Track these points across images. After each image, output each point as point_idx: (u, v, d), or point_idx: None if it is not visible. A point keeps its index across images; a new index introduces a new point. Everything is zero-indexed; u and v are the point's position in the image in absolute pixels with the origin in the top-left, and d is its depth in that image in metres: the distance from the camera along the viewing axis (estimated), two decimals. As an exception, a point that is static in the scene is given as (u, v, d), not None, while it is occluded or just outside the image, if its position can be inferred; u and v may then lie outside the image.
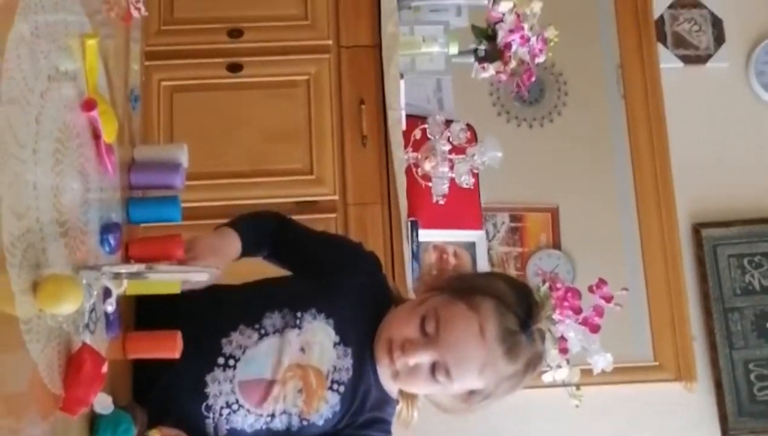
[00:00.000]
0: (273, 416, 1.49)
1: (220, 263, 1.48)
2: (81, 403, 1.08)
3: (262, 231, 1.66)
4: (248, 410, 1.48)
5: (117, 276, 1.18)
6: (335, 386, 1.50)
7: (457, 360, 1.42)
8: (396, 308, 1.56)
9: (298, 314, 1.50)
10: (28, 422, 0.99)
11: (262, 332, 1.49)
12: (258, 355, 1.48)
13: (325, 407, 1.50)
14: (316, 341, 1.49)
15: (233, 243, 1.56)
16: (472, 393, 1.48)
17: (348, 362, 1.51)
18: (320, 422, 1.51)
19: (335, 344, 1.51)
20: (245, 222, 1.64)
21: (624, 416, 3.00)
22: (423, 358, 1.43)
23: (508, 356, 1.43)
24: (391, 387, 1.55)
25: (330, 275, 1.57)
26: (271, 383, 1.48)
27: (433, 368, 1.43)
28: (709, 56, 3.33)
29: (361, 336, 1.53)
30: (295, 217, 2.58)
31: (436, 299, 1.47)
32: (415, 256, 2.67)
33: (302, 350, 1.49)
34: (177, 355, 1.34)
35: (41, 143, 1.05)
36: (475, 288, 1.46)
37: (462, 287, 1.48)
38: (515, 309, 1.44)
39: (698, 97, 3.29)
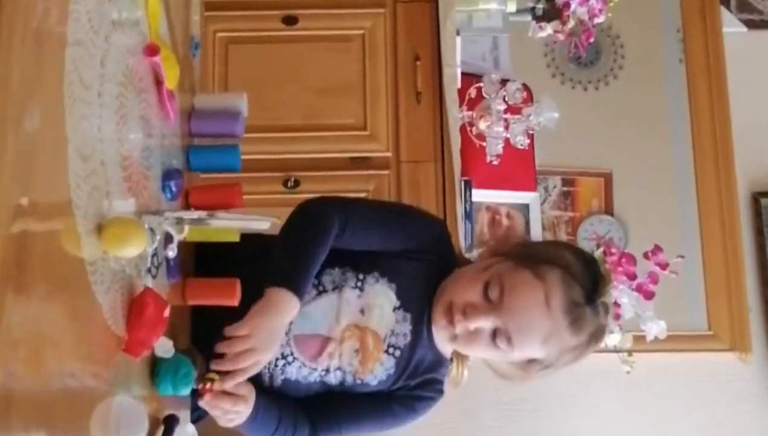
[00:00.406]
0: (327, 371, 1.50)
1: (271, 354, 1.39)
2: (143, 345, 1.09)
3: (315, 254, 1.45)
4: (303, 363, 1.49)
5: (179, 222, 1.18)
6: (391, 350, 1.50)
7: (520, 328, 1.40)
8: (457, 271, 1.53)
9: (360, 276, 1.49)
10: (92, 363, 0.99)
11: (320, 288, 1.48)
12: (315, 311, 1.47)
13: (380, 369, 1.51)
14: (377, 303, 1.48)
15: (289, 314, 1.40)
16: (531, 362, 1.46)
17: (406, 327, 1.50)
18: (374, 382, 1.51)
19: (395, 308, 1.50)
20: (296, 260, 1.43)
21: (676, 384, 2.97)
22: (485, 323, 1.42)
23: (573, 328, 1.41)
24: (445, 348, 1.54)
25: (399, 246, 1.53)
26: (327, 340, 1.48)
27: (494, 334, 1.42)
28: (774, 21, 3.24)
29: (421, 301, 1.51)
30: (348, 173, 2.62)
31: (502, 266, 1.44)
32: (468, 216, 2.64)
33: (362, 311, 1.48)
34: (236, 303, 1.35)
35: (106, 86, 1.05)
36: (541, 257, 1.44)
37: (528, 254, 1.45)
38: (581, 281, 1.42)
39: (761, 63, 3.20)
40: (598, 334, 1.45)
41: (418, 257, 1.52)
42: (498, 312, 1.41)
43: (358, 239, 1.50)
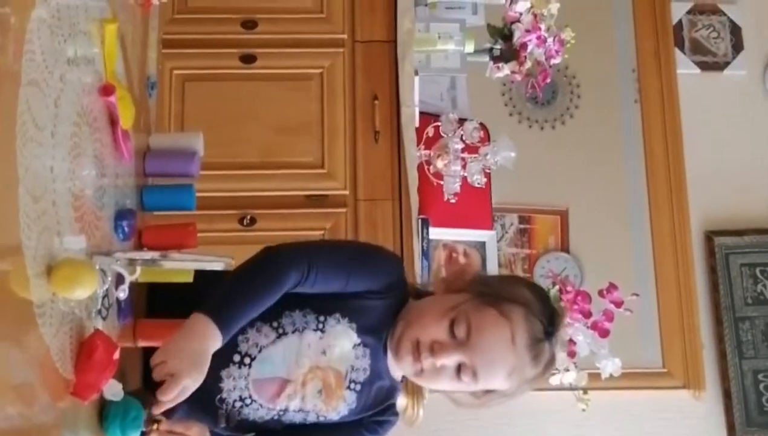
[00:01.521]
0: (286, 410, 1.50)
1: (197, 377, 1.31)
2: (92, 389, 1.08)
3: (254, 304, 1.41)
4: (260, 405, 1.49)
5: (131, 263, 1.17)
6: (353, 385, 1.52)
7: (486, 364, 1.46)
8: (416, 304, 1.55)
9: (321, 318, 1.49)
10: (38, 406, 0.98)
11: (280, 330, 1.48)
12: (274, 354, 1.47)
13: (343, 405, 1.52)
14: (337, 344, 1.50)
15: (210, 344, 1.33)
16: (490, 392, 1.51)
17: (366, 361, 1.52)
18: (336, 418, 1.53)
19: (355, 345, 1.51)
20: (233, 300, 1.38)
21: (631, 421, 2.98)
22: (452, 360, 1.45)
23: (534, 361, 1.48)
24: (397, 373, 1.57)
25: (359, 286, 1.53)
26: (285, 382, 1.48)
27: (458, 369, 1.46)
28: (727, 63, 3.31)
29: (378, 334, 1.53)
30: (305, 211, 2.62)
31: (467, 304, 1.48)
32: (425, 254, 2.65)
33: (324, 352, 1.49)
34: (187, 345, 1.33)
35: (59, 127, 1.05)
36: (503, 295, 1.49)
37: (490, 292, 1.50)
38: (541, 317, 1.49)
39: (714, 104, 3.27)
40: (551, 362, 1.54)
41: (379, 297, 1.54)
42: (465, 349, 1.45)
43: (319, 287, 1.49)
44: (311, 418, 1.51)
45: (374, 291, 1.54)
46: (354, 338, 1.51)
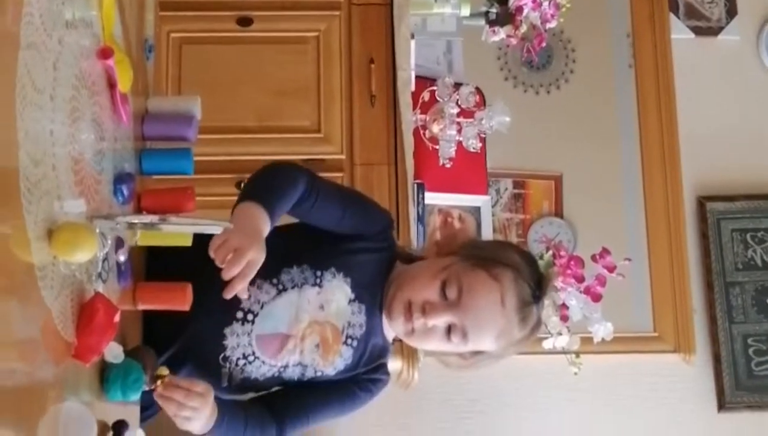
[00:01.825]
0: (286, 366, 1.54)
1: (261, 251, 1.35)
2: (93, 351, 1.09)
3: (284, 196, 1.49)
4: (263, 362, 1.52)
5: (130, 226, 1.18)
6: (349, 341, 1.56)
7: (476, 325, 1.49)
8: (409, 267, 1.60)
9: (318, 273, 1.53)
10: (40, 368, 0.99)
11: (280, 287, 1.51)
12: (276, 310, 1.51)
13: (339, 360, 1.56)
14: (334, 298, 1.53)
15: (263, 224, 1.40)
16: (479, 353, 1.56)
17: (361, 318, 1.56)
18: (332, 373, 1.57)
19: (350, 301, 1.55)
20: (266, 191, 1.47)
21: (622, 385, 3.02)
22: (442, 320, 1.49)
23: (522, 324, 1.53)
24: (390, 333, 1.62)
25: (350, 235, 1.58)
26: (286, 337, 1.52)
27: (449, 330, 1.50)
28: (721, 29, 3.30)
29: (373, 291, 1.57)
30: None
31: (458, 266, 1.52)
32: (421, 218, 2.66)
33: (321, 307, 1.53)
34: (186, 307, 1.35)
35: (58, 90, 1.05)
36: (494, 258, 1.53)
37: (481, 255, 1.54)
38: (529, 280, 1.54)
39: (708, 69, 3.27)
40: (538, 325, 1.58)
41: (368, 247, 1.58)
42: (456, 310, 1.49)
43: (318, 210, 1.54)
44: (309, 373, 1.55)
45: (365, 237, 1.58)
46: (348, 292, 1.54)
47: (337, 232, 1.57)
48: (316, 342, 1.53)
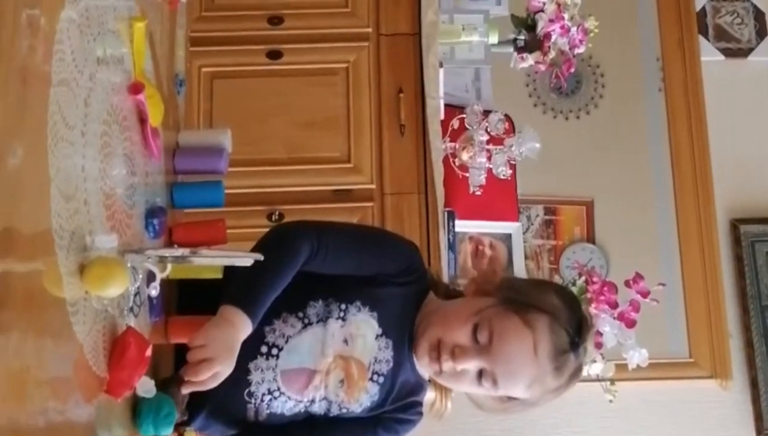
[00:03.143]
0: (313, 401, 1.51)
1: (230, 367, 1.34)
2: (125, 386, 1.09)
3: (274, 283, 1.43)
4: (289, 397, 1.50)
5: (161, 260, 1.18)
6: (375, 377, 1.52)
7: (507, 373, 1.44)
8: (443, 304, 1.55)
9: (343, 306, 1.50)
10: (72, 404, 0.99)
11: (306, 321, 1.49)
12: (301, 344, 1.48)
13: (365, 397, 1.52)
14: (360, 333, 1.50)
15: (242, 333, 1.37)
16: (512, 399, 1.50)
17: (389, 353, 1.52)
18: (358, 410, 1.53)
19: (377, 336, 1.52)
20: (254, 287, 1.41)
21: (658, 412, 2.97)
22: (472, 365, 1.45)
23: (556, 373, 1.46)
24: (425, 371, 1.57)
25: (375, 272, 1.55)
26: (312, 372, 1.49)
27: (480, 374, 1.45)
28: (751, 50, 3.28)
29: (401, 326, 1.53)
30: (332, 206, 2.63)
31: (491, 310, 1.47)
32: (452, 246, 2.65)
33: (345, 341, 1.49)
34: (217, 341, 1.34)
35: (90, 126, 1.06)
36: (529, 301, 1.47)
37: (517, 299, 1.48)
38: (567, 327, 1.46)
39: (739, 91, 3.24)
40: (577, 373, 1.50)
41: (394, 282, 1.54)
42: (486, 356, 1.44)
43: (331, 264, 1.51)
44: (334, 409, 1.52)
45: (388, 275, 1.54)
46: (376, 327, 1.51)
47: (365, 274, 1.54)
48: (341, 378, 1.50)
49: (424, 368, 1.53)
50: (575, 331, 1.47)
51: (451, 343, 1.45)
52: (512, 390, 1.47)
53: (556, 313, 1.46)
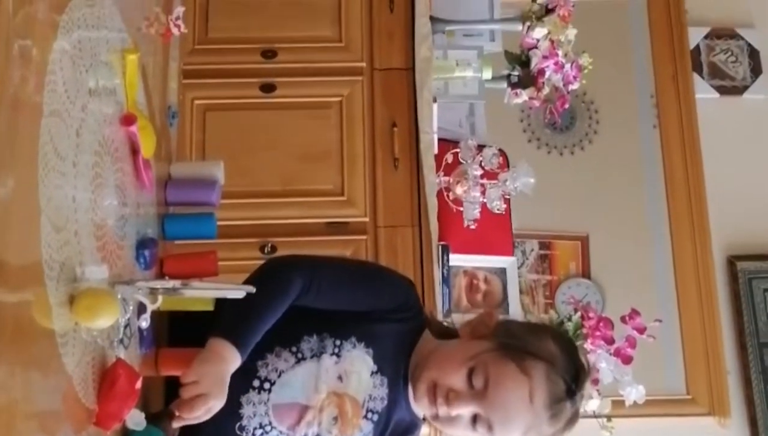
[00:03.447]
0: None
1: (221, 400, 1.36)
2: (114, 418, 1.07)
3: (265, 317, 1.44)
4: (281, 432, 1.48)
5: (152, 292, 1.18)
6: (369, 415, 1.50)
7: (502, 419, 1.42)
8: (439, 345, 1.53)
9: (338, 342, 1.48)
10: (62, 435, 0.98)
11: (299, 355, 1.47)
12: (294, 379, 1.47)
13: (359, 435, 1.50)
14: (354, 369, 1.49)
15: (232, 366, 1.38)
16: None
17: (383, 391, 1.51)
18: None
19: (372, 373, 1.50)
20: (245, 320, 1.42)
21: (656, 449, 2.95)
22: (467, 410, 1.43)
23: (552, 420, 1.44)
24: (419, 411, 1.55)
25: (369, 307, 1.54)
26: (305, 408, 1.47)
27: (474, 419, 1.43)
28: (746, 87, 3.31)
29: (396, 364, 1.52)
30: (326, 238, 2.63)
31: (488, 355, 1.45)
32: (446, 280, 2.64)
33: (340, 378, 1.48)
34: (208, 373, 1.33)
35: (81, 157, 1.05)
36: (527, 348, 1.45)
37: (513, 345, 1.46)
38: (564, 375, 1.44)
39: (734, 128, 3.26)
40: (573, 420, 1.48)
41: (390, 318, 1.53)
42: (481, 401, 1.42)
43: (325, 299, 1.51)
44: None
45: (383, 311, 1.53)
46: (371, 364, 1.49)
47: (360, 310, 1.53)
48: (334, 415, 1.47)
49: (423, 409, 1.51)
50: (572, 379, 1.45)
51: (446, 387, 1.44)
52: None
53: (554, 360, 1.44)
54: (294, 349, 1.47)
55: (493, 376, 1.42)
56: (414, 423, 1.56)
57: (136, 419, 1.16)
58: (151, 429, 1.20)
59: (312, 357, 1.47)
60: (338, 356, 1.48)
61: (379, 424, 1.51)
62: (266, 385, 1.46)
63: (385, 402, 1.51)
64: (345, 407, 1.48)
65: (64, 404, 0.98)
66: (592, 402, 2.27)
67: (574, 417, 1.48)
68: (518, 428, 1.43)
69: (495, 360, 1.43)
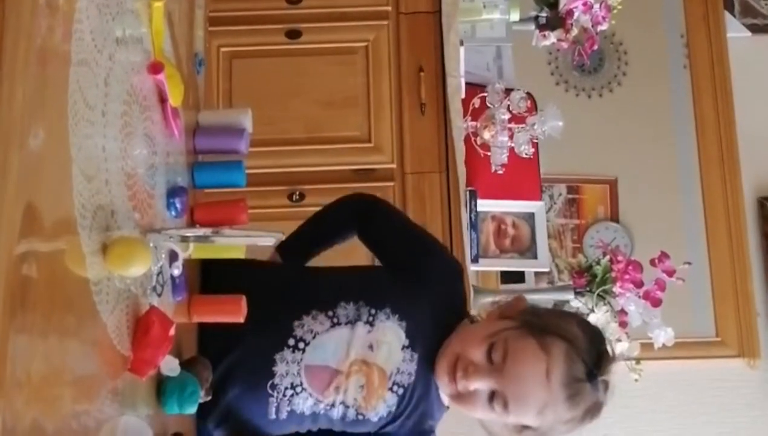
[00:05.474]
0: (332, 405, 1.50)
1: None
2: (149, 365, 1.09)
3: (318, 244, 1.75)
4: (310, 394, 1.49)
5: (184, 239, 1.18)
6: (395, 388, 1.51)
7: (517, 395, 1.42)
8: (468, 326, 1.54)
9: (372, 311, 1.50)
10: (97, 382, 0.99)
11: (335, 320, 1.49)
12: (327, 342, 1.48)
13: (383, 406, 1.51)
14: (386, 340, 1.49)
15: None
16: (525, 428, 1.47)
17: (412, 366, 1.51)
18: (375, 419, 1.52)
19: (404, 347, 1.51)
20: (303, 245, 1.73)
21: (685, 391, 2.96)
22: (483, 384, 1.43)
23: (570, 402, 1.42)
24: (445, 397, 1.55)
25: (411, 278, 1.55)
26: (335, 372, 1.49)
27: (491, 396, 1.43)
28: (778, 25, 3.24)
29: (429, 343, 1.52)
30: (353, 185, 2.62)
31: (509, 331, 1.45)
32: (473, 226, 2.64)
33: (370, 347, 1.49)
34: (241, 319, 1.35)
35: (110, 105, 1.05)
36: (549, 327, 1.44)
37: (536, 323, 1.46)
38: (585, 357, 1.42)
39: (765, 67, 3.20)
40: (594, 410, 1.46)
41: (429, 295, 1.54)
42: (498, 376, 1.42)
43: (377, 233, 1.66)
44: (351, 415, 1.51)
45: (427, 285, 1.55)
46: (402, 338, 1.50)
47: (404, 272, 1.56)
48: (361, 383, 1.49)
49: (443, 388, 1.51)
50: (594, 363, 1.43)
51: (467, 361, 1.44)
52: (523, 415, 1.43)
53: (575, 341, 1.43)
54: (330, 313, 1.49)
55: (512, 350, 1.41)
56: (438, 408, 1.56)
57: (170, 365, 1.18)
58: (186, 375, 1.22)
59: (347, 323, 1.49)
60: (371, 324, 1.49)
61: (404, 398, 1.52)
62: (300, 345, 1.48)
63: (413, 378, 1.51)
64: (372, 376, 1.49)
65: (99, 351, 1.00)
66: (620, 345, 2.28)
67: (595, 408, 1.45)
68: (534, 406, 1.42)
69: (515, 336, 1.44)
